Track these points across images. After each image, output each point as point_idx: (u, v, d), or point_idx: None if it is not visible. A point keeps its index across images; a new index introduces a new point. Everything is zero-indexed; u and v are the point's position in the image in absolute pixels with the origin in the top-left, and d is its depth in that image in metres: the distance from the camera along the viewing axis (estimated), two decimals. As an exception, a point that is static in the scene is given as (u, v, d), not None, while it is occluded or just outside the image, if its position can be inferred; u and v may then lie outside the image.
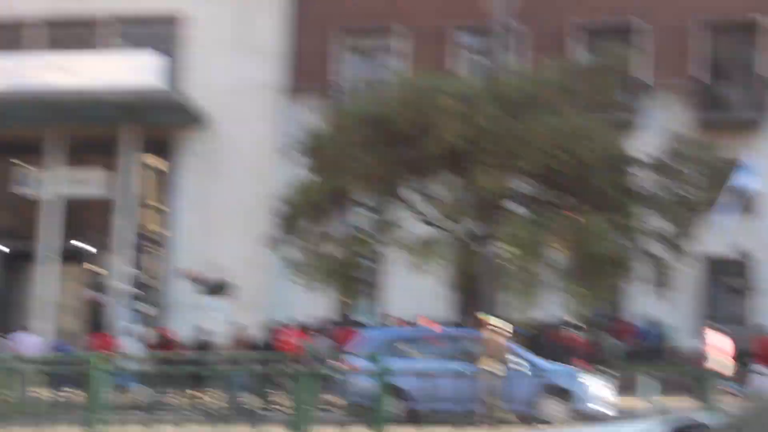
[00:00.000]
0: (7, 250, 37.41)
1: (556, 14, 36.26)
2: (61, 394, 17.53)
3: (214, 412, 8.31)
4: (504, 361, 21.33)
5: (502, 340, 22.16)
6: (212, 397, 17.81)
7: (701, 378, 12.61)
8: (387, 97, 27.00)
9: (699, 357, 29.12)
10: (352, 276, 27.49)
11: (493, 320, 22.44)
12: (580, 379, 20.44)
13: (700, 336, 28.87)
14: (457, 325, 28.07)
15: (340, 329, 29.23)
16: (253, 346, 27.71)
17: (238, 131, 36.96)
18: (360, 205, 28.05)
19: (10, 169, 38.73)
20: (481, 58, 36.55)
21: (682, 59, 36.47)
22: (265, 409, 19.99)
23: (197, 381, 15.78)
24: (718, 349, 28.34)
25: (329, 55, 37.80)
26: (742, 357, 27.97)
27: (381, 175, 26.25)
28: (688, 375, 26.09)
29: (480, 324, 22.48)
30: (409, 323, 29.81)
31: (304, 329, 27.48)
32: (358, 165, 25.75)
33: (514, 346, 23.49)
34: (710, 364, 27.50)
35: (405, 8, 37.25)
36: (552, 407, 20.86)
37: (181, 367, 19.66)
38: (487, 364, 20.78)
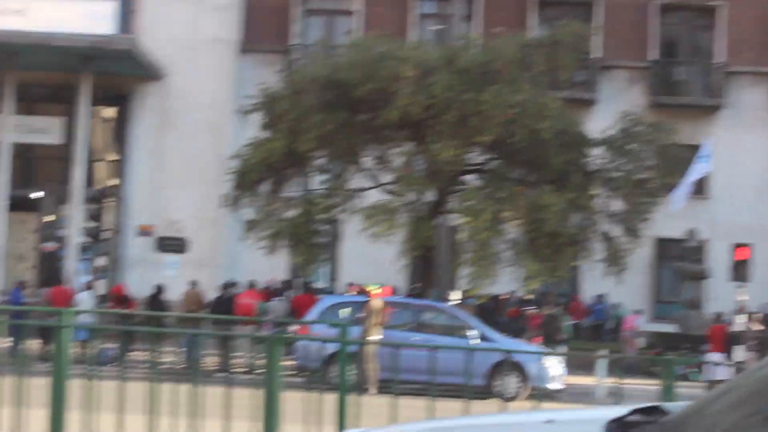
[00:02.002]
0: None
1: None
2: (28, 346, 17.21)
3: (175, 371, 8.29)
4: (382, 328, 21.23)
5: (383, 307, 22.23)
6: (171, 356, 17.50)
7: (662, 362, 12.71)
8: (345, 61, 26.70)
9: (632, 338, 29.50)
10: (309, 239, 27.24)
11: (374, 288, 22.58)
12: (535, 355, 20.33)
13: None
14: (414, 295, 27.94)
15: (298, 293, 28.98)
16: (205, 305, 27.35)
17: (194, 85, 36.42)
18: (317, 169, 27.99)
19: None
20: (439, 25, 36.42)
21: (639, 39, 36.57)
22: (224, 371, 19.82)
23: (155, 338, 15.38)
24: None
25: (287, 13, 37.20)
26: (697, 343, 28.18)
27: (339, 139, 26.07)
28: (646, 359, 26.23)
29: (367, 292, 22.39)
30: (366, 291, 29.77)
31: (261, 291, 27.14)
32: (316, 128, 25.44)
33: (471, 319, 23.49)
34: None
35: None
36: (508, 383, 20.69)
37: (141, 324, 19.51)
38: (373, 332, 20.61)
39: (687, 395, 5.97)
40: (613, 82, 36.06)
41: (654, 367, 17.75)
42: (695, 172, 30.29)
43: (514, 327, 27.53)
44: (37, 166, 37.53)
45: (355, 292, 28.18)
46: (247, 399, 8.50)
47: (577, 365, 24.68)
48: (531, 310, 28.72)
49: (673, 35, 37.36)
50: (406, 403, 7.78)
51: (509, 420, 5.12)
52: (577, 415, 4.46)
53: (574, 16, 32.70)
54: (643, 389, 13.74)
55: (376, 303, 22.25)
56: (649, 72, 36.44)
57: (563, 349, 25.99)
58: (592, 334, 33.43)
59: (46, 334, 19.04)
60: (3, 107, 34.34)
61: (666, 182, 26.84)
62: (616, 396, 8.65)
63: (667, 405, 4.14)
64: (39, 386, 7.95)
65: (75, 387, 8.26)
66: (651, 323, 33.80)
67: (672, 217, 30.18)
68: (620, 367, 21.30)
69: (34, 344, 19.53)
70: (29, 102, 36.35)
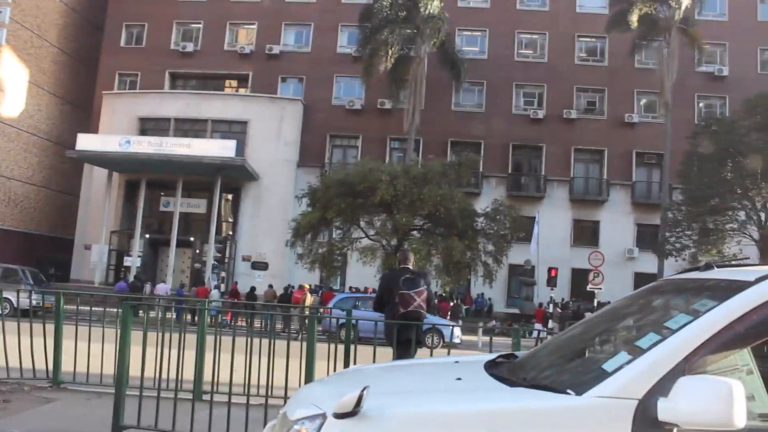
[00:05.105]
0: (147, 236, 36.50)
1: (439, 133, 36.36)
2: (185, 318, 17.23)
3: (258, 331, 8.35)
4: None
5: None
6: (257, 324, 17.40)
7: (513, 329, 12.87)
8: (352, 172, 26.40)
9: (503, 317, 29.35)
10: (331, 264, 26.97)
11: (306, 286, 23.53)
12: (447, 325, 20.23)
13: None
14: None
15: (325, 291, 28.97)
16: (276, 298, 27.34)
17: (273, 183, 36.40)
18: (336, 227, 27.79)
19: (156, 197, 37.63)
20: (400, 153, 36.77)
21: (503, 162, 36.87)
22: (286, 333, 19.67)
23: (250, 316, 15.66)
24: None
25: (323, 146, 37.39)
26: (529, 319, 28.19)
27: (347, 212, 25.81)
28: (505, 328, 26.14)
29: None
30: (360, 290, 29.70)
31: (305, 290, 27.10)
32: (336, 206, 25.26)
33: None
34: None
35: (363, 126, 37.26)
36: (433, 340, 20.60)
37: (243, 307, 19.59)
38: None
39: (525, 347, 5.91)
40: (489, 184, 36.20)
41: (508, 331, 17.91)
42: (534, 233, 30.64)
43: (437, 310, 27.24)
44: (192, 223, 37.22)
45: (353, 291, 28.32)
46: (295, 349, 7.55)
47: (469, 330, 24.62)
48: (445, 300, 28.36)
49: (520, 160, 37.60)
50: (379, 350, 7.23)
51: (435, 360, 5.15)
52: (470, 358, 4.18)
53: (470, 150, 33.05)
54: (503, 343, 13.97)
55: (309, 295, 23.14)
56: (507, 179, 36.65)
57: (461, 322, 25.95)
58: (476, 314, 33.41)
59: (194, 312, 19.25)
60: (175, 193, 34.42)
61: (515, 235, 26.78)
62: (489, 347, 8.31)
63: (517, 353, 4.10)
64: (190, 339, 7.50)
65: (209, 341, 7.91)
66: (506, 308, 34.14)
67: (519, 253, 30.27)
68: (492, 332, 21.50)
69: (188, 317, 19.67)
70: (189, 191, 36.22)
